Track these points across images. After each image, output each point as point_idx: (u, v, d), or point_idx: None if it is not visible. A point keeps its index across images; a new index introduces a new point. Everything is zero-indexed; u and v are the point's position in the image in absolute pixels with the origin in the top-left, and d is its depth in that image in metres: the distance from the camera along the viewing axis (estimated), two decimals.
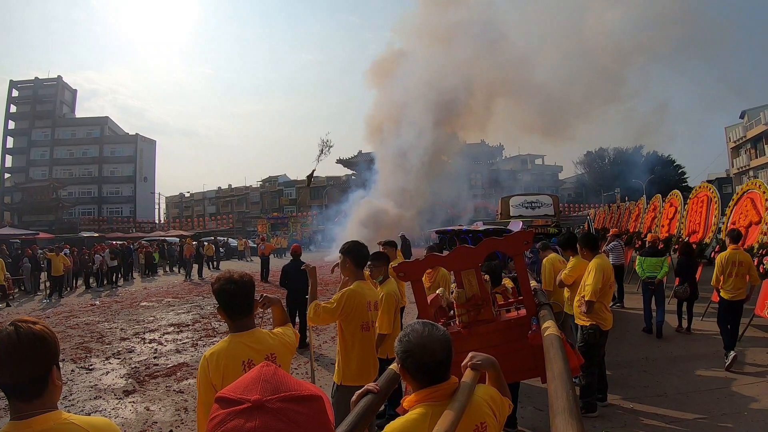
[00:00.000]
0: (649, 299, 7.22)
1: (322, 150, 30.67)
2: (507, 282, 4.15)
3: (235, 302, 1.98)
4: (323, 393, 0.80)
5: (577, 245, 4.92)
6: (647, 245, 8.11)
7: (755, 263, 6.28)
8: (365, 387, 1.66)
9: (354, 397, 1.60)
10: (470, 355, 1.54)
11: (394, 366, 2.00)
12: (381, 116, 30.28)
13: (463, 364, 1.52)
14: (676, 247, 8.77)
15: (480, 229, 6.65)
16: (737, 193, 8.20)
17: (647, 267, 7.33)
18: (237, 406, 0.73)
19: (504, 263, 5.19)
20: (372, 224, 23.43)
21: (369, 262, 3.91)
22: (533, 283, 3.64)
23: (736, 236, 6.08)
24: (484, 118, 31.26)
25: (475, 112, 30.12)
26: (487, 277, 3.22)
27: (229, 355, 1.93)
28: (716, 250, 7.82)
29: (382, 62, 32.40)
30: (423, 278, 3.14)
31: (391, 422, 1.36)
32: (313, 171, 32.31)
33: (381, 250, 4.99)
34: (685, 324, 7.17)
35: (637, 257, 7.97)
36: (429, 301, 3.05)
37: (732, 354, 5.39)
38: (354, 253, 3.24)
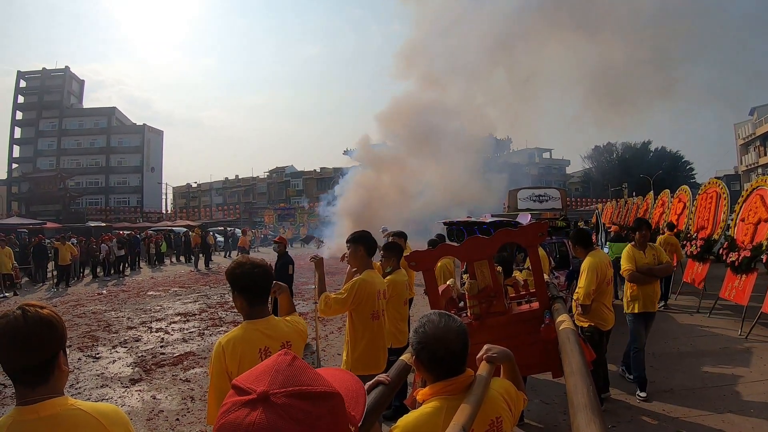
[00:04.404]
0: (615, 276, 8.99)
1: None
2: (518, 274, 4.10)
3: (256, 287, 1.97)
4: (341, 390, 0.75)
5: (569, 242, 4.81)
6: (613, 235, 10.21)
7: (764, 260, 6.67)
8: (376, 378, 1.63)
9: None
10: (485, 347, 1.49)
11: (405, 356, 1.96)
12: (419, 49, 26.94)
13: (478, 356, 1.48)
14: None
15: (488, 221, 6.58)
16: (746, 190, 8.03)
17: (616, 250, 8.78)
18: (244, 396, 0.69)
19: (512, 256, 5.13)
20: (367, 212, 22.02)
21: (381, 252, 3.89)
22: (545, 277, 3.59)
23: (670, 226, 9.19)
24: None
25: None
26: (499, 268, 3.18)
27: (245, 342, 1.91)
28: (724, 246, 7.76)
29: None
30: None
31: (405, 415, 1.32)
32: None
33: (390, 240, 4.95)
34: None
35: (608, 243, 9.91)
36: (440, 292, 3.02)
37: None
38: (368, 241, 3.29)
